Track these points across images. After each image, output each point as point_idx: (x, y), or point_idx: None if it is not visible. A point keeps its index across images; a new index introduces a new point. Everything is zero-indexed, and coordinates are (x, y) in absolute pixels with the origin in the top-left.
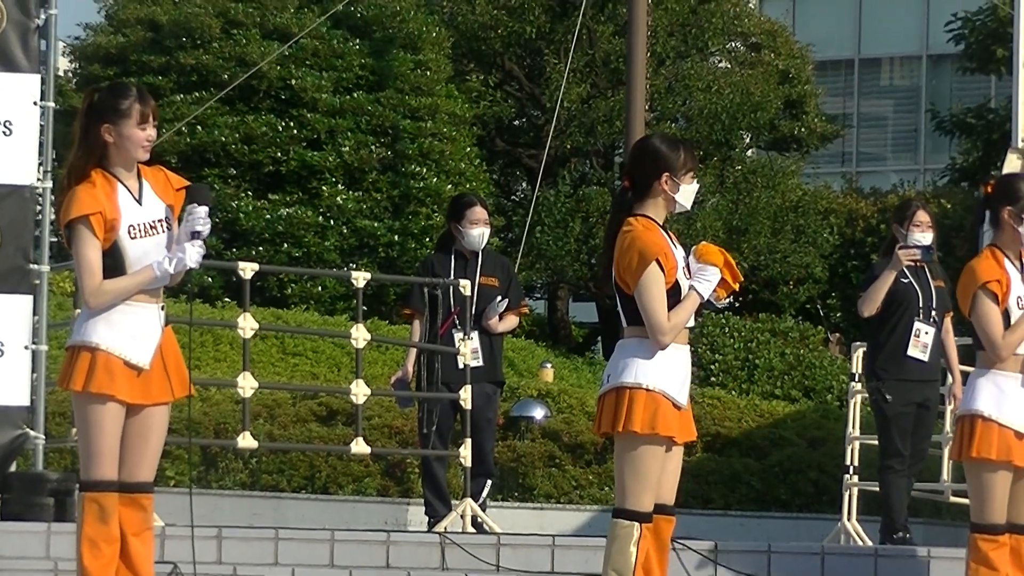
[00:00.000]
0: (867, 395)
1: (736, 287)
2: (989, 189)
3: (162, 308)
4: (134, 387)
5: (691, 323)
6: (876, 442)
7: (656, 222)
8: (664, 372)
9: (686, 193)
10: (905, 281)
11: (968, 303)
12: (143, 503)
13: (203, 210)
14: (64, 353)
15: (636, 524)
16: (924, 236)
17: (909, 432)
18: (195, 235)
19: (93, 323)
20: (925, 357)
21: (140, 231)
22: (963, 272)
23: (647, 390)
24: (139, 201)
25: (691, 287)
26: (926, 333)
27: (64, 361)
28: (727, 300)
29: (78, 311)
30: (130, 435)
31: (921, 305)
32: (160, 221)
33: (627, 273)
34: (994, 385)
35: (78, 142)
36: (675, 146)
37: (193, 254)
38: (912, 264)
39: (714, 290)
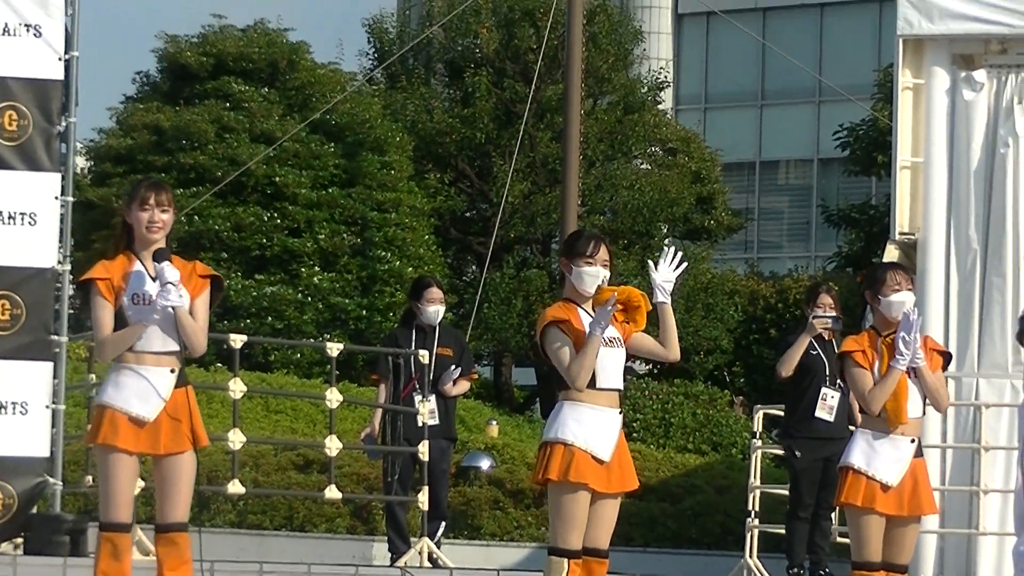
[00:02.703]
0: (766, 451)
1: (641, 304)
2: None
3: (172, 371)
4: (139, 438)
5: (619, 385)
6: (774, 490)
7: (575, 302)
8: (583, 429)
9: (579, 275)
10: (814, 353)
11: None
12: (177, 540)
13: (164, 264)
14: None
15: (564, 560)
16: (828, 313)
17: (816, 484)
18: (167, 284)
19: (105, 386)
20: (831, 418)
21: (143, 300)
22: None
23: (564, 444)
24: (154, 279)
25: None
26: (832, 397)
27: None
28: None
29: (92, 375)
30: (160, 482)
31: (828, 373)
32: None
33: (540, 338)
34: (866, 443)
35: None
36: (577, 237)
37: (170, 296)
38: (823, 334)
39: (606, 323)
